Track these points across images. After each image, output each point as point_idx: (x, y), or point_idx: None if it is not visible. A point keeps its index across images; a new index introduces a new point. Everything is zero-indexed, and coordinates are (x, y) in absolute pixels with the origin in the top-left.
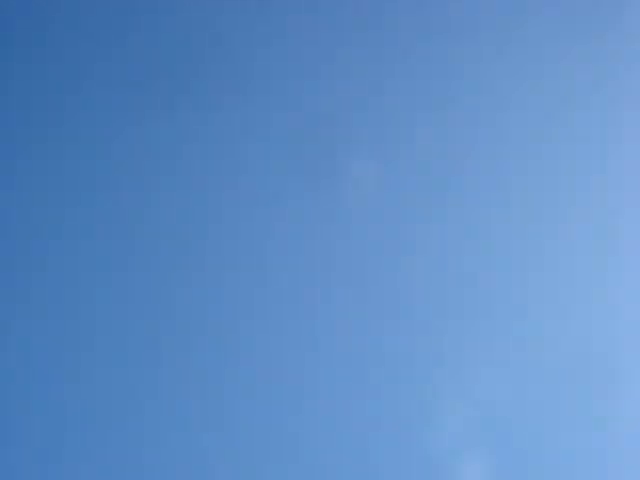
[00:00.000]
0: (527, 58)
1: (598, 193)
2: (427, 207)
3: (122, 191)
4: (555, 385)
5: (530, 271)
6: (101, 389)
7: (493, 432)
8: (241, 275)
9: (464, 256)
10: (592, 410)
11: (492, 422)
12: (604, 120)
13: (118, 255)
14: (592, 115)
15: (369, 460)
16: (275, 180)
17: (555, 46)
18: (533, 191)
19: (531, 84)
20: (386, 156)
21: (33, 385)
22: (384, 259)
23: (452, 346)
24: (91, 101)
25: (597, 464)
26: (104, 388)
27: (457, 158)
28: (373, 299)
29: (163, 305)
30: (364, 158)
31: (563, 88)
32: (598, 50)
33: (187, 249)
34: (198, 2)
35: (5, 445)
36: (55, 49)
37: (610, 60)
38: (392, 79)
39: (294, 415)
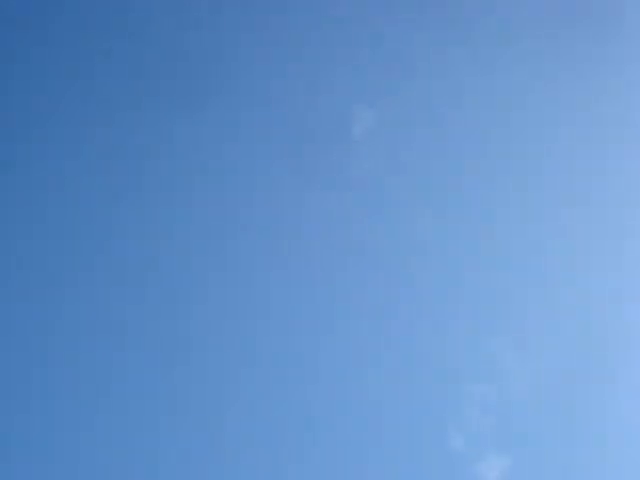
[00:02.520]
0: (527, 57)
1: (598, 192)
2: (428, 206)
3: (125, 191)
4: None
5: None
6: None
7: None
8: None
9: (468, 256)
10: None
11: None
12: (604, 120)
13: (121, 253)
14: (592, 115)
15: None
16: (274, 178)
17: (555, 47)
18: (531, 190)
19: (530, 83)
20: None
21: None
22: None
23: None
24: (93, 102)
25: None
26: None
27: (458, 161)
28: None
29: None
30: (363, 159)
31: (563, 88)
32: (598, 51)
33: (187, 248)
34: (200, 6)
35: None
36: (57, 51)
37: (610, 61)
38: (392, 81)
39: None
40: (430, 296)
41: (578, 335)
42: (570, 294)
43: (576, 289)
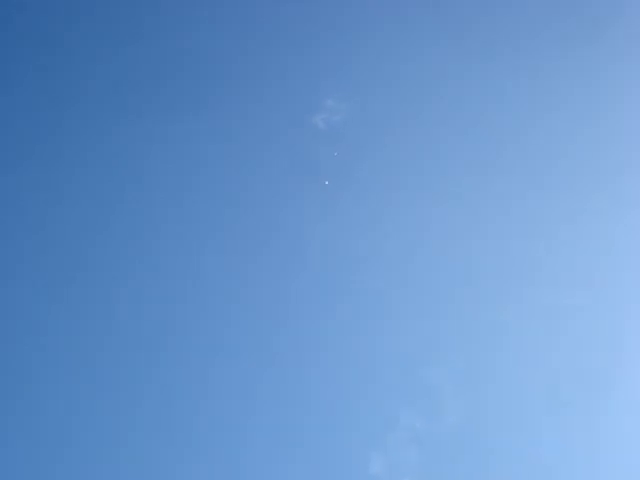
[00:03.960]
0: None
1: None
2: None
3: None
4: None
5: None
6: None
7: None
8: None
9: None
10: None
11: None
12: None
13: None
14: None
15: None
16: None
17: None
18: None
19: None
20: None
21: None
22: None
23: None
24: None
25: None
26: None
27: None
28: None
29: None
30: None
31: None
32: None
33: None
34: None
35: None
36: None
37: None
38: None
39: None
40: (368, 319)
41: (515, 374)
42: (511, 332)
43: (516, 328)
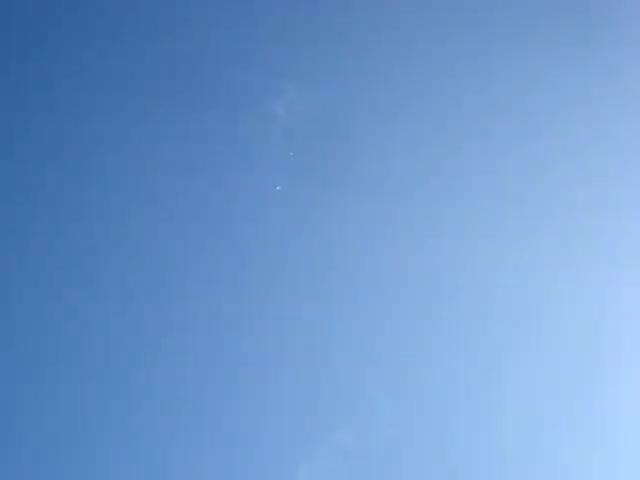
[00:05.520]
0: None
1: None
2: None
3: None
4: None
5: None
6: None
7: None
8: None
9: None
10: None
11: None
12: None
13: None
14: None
15: None
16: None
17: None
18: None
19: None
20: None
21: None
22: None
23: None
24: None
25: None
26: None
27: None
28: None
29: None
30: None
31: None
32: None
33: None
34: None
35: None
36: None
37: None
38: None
39: None
40: (298, 328)
41: (444, 385)
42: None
43: (449, 342)
